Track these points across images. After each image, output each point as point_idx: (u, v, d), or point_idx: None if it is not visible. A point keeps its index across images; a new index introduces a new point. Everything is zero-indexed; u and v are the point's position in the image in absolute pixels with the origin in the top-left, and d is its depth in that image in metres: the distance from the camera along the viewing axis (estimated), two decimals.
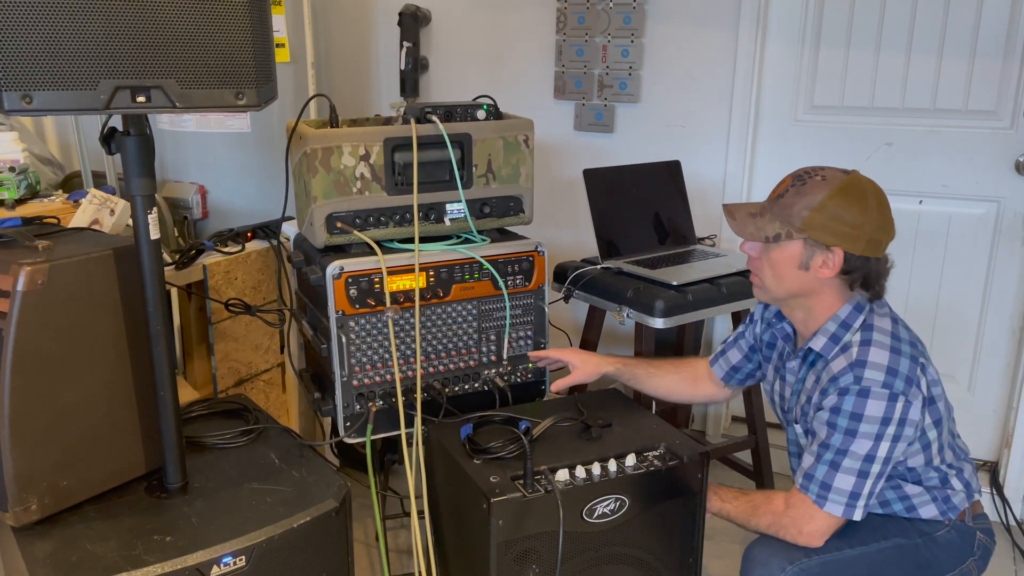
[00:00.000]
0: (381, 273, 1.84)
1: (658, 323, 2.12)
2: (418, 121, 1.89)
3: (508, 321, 2.00)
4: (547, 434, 1.78)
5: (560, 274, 2.39)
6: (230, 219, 2.44)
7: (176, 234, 2.32)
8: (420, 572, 1.81)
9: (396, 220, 1.91)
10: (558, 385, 1.94)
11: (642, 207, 2.47)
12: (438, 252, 1.91)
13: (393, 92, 3.33)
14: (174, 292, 2.21)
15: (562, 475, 1.61)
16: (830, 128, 2.75)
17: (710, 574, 2.34)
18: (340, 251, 1.90)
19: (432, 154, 1.90)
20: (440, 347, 1.95)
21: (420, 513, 1.81)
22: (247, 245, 2.26)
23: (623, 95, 2.94)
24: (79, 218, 1.92)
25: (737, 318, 2.45)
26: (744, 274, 2.29)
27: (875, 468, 1.54)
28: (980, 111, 2.55)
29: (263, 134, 2.43)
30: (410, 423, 1.87)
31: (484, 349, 2.00)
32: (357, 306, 1.84)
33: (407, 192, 1.89)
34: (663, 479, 1.68)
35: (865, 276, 1.58)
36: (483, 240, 1.99)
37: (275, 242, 2.28)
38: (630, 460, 1.68)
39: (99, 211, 1.93)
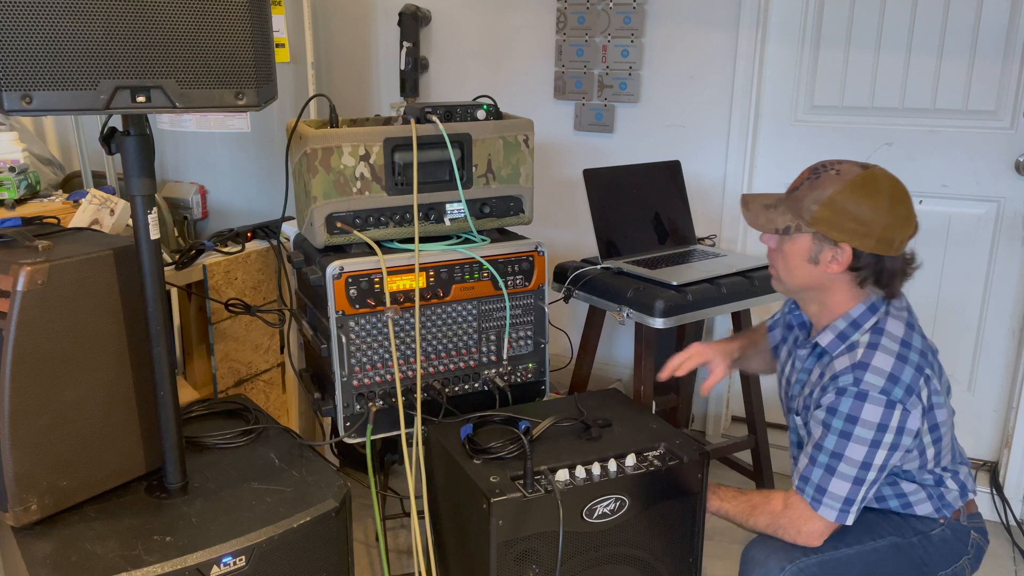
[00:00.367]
0: (381, 273, 1.84)
1: (658, 323, 2.12)
2: (418, 121, 1.89)
3: (508, 321, 2.00)
4: (547, 434, 1.78)
5: (560, 274, 2.39)
6: (230, 219, 2.44)
7: (176, 234, 2.32)
8: (420, 572, 1.81)
9: (396, 220, 1.91)
10: (707, 388, 1.85)
11: (642, 207, 2.47)
12: (438, 252, 1.91)
13: (393, 92, 3.33)
14: (174, 292, 2.21)
15: (562, 475, 1.61)
16: (830, 128, 2.75)
17: (710, 574, 2.34)
18: (340, 251, 1.90)
19: (432, 154, 1.90)
20: (440, 347, 1.95)
21: (420, 513, 1.81)
22: (247, 245, 2.26)
23: (623, 95, 2.94)
24: (79, 218, 1.92)
25: (737, 318, 2.45)
26: (744, 274, 2.29)
27: (871, 475, 1.54)
28: (980, 111, 2.55)
29: (263, 134, 2.43)
30: (410, 423, 1.87)
31: (484, 349, 2.00)
32: (357, 306, 1.84)
33: (407, 192, 1.89)
34: (663, 479, 1.68)
35: (877, 274, 1.56)
36: (483, 240, 1.99)
37: (275, 242, 2.28)
38: (630, 460, 1.68)
39: (99, 211, 1.93)
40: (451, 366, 1.98)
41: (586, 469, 1.64)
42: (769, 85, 2.80)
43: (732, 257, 2.44)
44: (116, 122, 1.44)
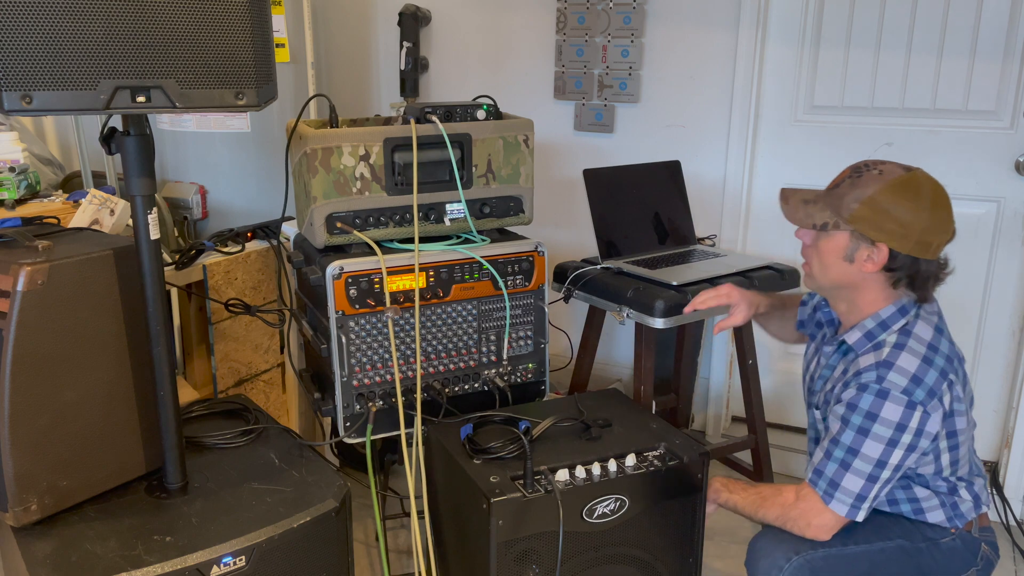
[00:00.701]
0: (381, 273, 1.84)
1: (658, 323, 2.12)
2: (418, 121, 1.89)
3: (508, 321, 2.00)
4: (547, 434, 1.78)
5: (560, 274, 2.39)
6: (230, 219, 2.44)
7: (176, 234, 2.32)
8: (420, 572, 1.81)
9: (396, 220, 1.91)
10: (720, 328, 1.90)
11: (642, 207, 2.47)
12: (438, 252, 1.90)
13: (393, 92, 3.33)
14: (174, 292, 2.21)
15: (562, 475, 1.61)
16: (830, 128, 2.75)
17: (711, 574, 2.34)
18: (340, 251, 1.90)
19: (432, 154, 1.90)
20: (440, 347, 1.95)
21: (420, 513, 1.81)
22: (247, 245, 2.26)
23: (623, 95, 2.94)
24: (79, 218, 1.92)
25: None
26: (744, 274, 2.29)
27: (885, 474, 1.54)
28: (980, 111, 2.55)
29: (263, 134, 2.43)
30: (410, 423, 1.87)
31: (484, 349, 2.00)
32: (357, 306, 1.84)
33: (407, 192, 1.89)
34: (663, 479, 1.68)
35: (911, 276, 1.56)
36: (483, 240, 1.99)
37: (275, 242, 2.28)
38: (630, 460, 1.68)
39: (99, 211, 1.93)
40: (451, 366, 1.98)
41: (586, 469, 1.64)
42: (769, 85, 2.80)
43: (732, 257, 2.44)
44: (116, 122, 1.44)
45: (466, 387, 2.00)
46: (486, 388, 2.01)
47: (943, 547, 1.64)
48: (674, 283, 2.17)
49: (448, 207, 1.95)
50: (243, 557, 1.43)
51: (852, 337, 1.62)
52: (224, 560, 1.41)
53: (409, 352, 1.90)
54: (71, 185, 2.62)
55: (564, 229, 3.14)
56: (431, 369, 1.95)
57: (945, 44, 2.54)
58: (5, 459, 1.38)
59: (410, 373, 1.91)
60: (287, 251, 2.18)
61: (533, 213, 2.05)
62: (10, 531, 1.45)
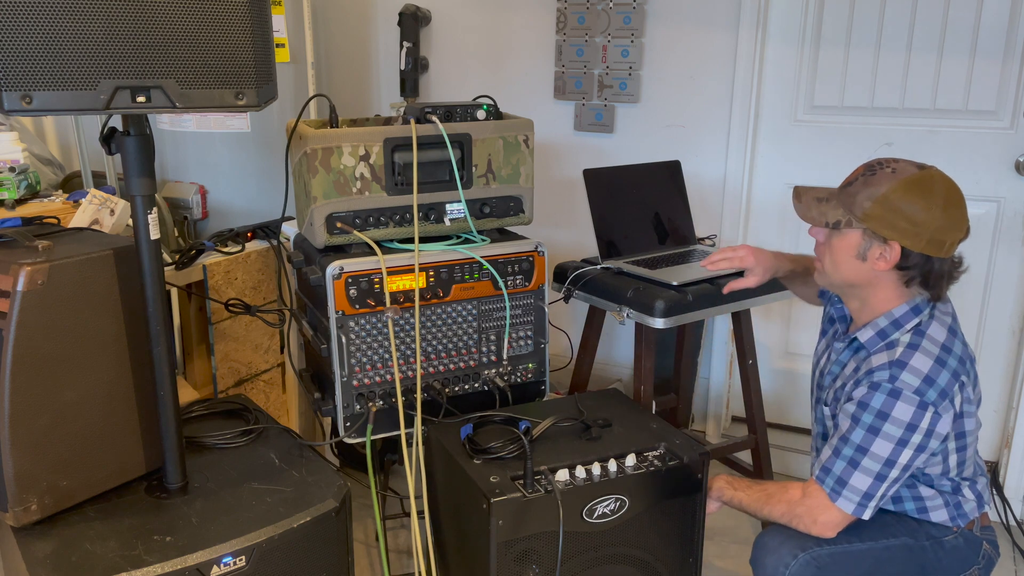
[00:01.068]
0: (381, 273, 1.84)
1: (658, 323, 2.12)
2: (418, 121, 1.89)
3: (508, 321, 2.00)
4: (547, 434, 1.78)
5: (560, 274, 2.39)
6: (230, 219, 2.44)
7: (176, 234, 2.32)
8: (420, 572, 1.81)
9: (396, 220, 1.91)
10: (731, 288, 1.90)
11: (642, 207, 2.47)
12: (438, 252, 1.90)
13: (393, 92, 3.33)
14: (174, 292, 2.21)
15: (562, 475, 1.61)
16: (830, 128, 2.75)
17: (712, 574, 2.34)
18: (340, 251, 1.90)
19: (432, 154, 1.90)
20: (440, 347, 1.95)
21: (420, 513, 1.81)
22: (247, 245, 2.26)
23: (623, 95, 2.94)
24: (79, 218, 1.92)
25: (737, 318, 2.44)
26: (743, 274, 2.29)
27: (893, 473, 1.54)
28: (980, 111, 2.55)
29: (263, 134, 2.43)
30: (410, 423, 1.87)
31: (484, 349, 2.00)
32: (357, 306, 1.84)
33: (407, 192, 1.89)
34: (663, 479, 1.68)
35: (924, 275, 1.56)
36: (483, 240, 1.99)
37: (275, 242, 2.28)
38: (630, 460, 1.68)
39: (99, 211, 1.93)
40: (451, 366, 1.98)
41: (586, 469, 1.64)
42: (769, 85, 2.80)
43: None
44: (116, 122, 1.44)
45: (466, 387, 2.00)
46: (486, 388, 2.01)
47: (946, 545, 1.64)
48: (674, 283, 2.17)
49: (448, 207, 1.95)
50: (243, 557, 1.43)
51: (864, 335, 1.62)
52: (224, 560, 1.41)
53: (409, 352, 1.90)
54: (71, 185, 2.62)
55: (564, 229, 3.14)
56: (431, 369, 1.95)
57: (945, 44, 2.54)
58: (5, 459, 1.38)
59: (410, 373, 1.91)
60: (287, 251, 2.18)
61: (533, 213, 2.05)
62: (10, 531, 1.45)
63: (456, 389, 1.99)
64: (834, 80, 2.71)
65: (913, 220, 1.51)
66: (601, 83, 2.96)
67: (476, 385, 2.01)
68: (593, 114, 3.01)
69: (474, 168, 1.95)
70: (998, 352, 2.67)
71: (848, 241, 1.58)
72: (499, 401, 1.99)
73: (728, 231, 2.90)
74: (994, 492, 2.63)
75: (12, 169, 2.02)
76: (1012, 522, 2.59)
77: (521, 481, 1.59)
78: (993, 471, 2.70)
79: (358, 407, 1.89)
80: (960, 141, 2.58)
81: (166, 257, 2.03)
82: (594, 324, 2.46)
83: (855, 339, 1.65)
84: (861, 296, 1.64)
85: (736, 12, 2.73)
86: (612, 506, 1.64)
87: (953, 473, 1.63)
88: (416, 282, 1.87)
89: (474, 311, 1.97)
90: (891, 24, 2.59)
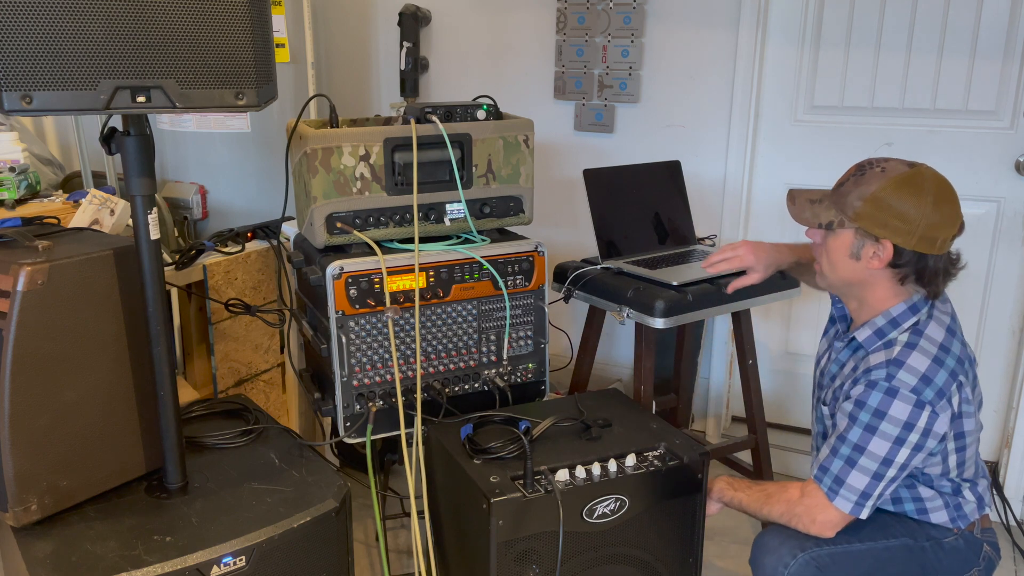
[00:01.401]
0: (381, 273, 1.84)
1: (658, 323, 2.12)
2: (418, 121, 1.89)
3: (508, 321, 2.00)
4: (547, 434, 1.78)
5: (560, 274, 2.39)
6: (230, 219, 2.44)
7: (176, 234, 2.32)
8: (420, 572, 1.81)
9: (396, 220, 1.91)
10: (734, 286, 1.91)
11: (642, 207, 2.47)
12: (438, 252, 1.90)
13: (393, 92, 3.33)
14: (174, 292, 2.21)
15: (562, 475, 1.61)
16: (830, 128, 2.75)
17: (712, 574, 2.34)
18: (340, 251, 1.90)
19: (432, 154, 1.90)
20: (440, 347, 1.95)
21: (420, 513, 1.81)
22: (247, 245, 2.26)
23: (623, 95, 2.94)
24: (79, 218, 1.92)
25: (737, 318, 2.44)
26: (742, 274, 2.29)
27: (891, 472, 1.54)
28: (980, 111, 2.55)
29: (263, 134, 2.43)
30: (410, 423, 1.87)
31: (484, 349, 2.00)
32: (357, 306, 1.84)
33: (407, 192, 1.89)
34: (663, 479, 1.68)
35: (919, 272, 1.56)
36: (483, 240, 1.99)
37: (275, 242, 2.28)
38: (630, 460, 1.68)
39: (99, 211, 1.93)
40: (451, 366, 1.98)
41: (586, 469, 1.64)
42: (769, 85, 2.79)
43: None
44: (116, 122, 1.44)
45: (466, 387, 2.00)
46: (486, 388, 2.01)
47: (946, 547, 1.64)
48: (674, 283, 2.17)
49: (448, 207, 1.95)
50: (243, 557, 1.43)
51: (862, 334, 1.63)
52: (224, 560, 1.41)
53: (409, 352, 1.90)
54: (71, 185, 2.62)
55: (564, 229, 3.14)
56: (431, 369, 1.95)
57: (945, 44, 2.54)
58: (5, 459, 1.38)
59: (410, 373, 1.91)
60: (287, 251, 2.18)
61: (533, 213, 2.05)
62: (10, 531, 1.45)
63: (456, 389, 1.99)
64: (834, 80, 2.71)
65: (904, 217, 1.51)
66: (601, 83, 2.96)
67: (476, 385, 2.01)
68: (593, 114, 3.01)
69: (474, 168, 1.95)
70: (998, 352, 2.67)
71: (842, 241, 1.59)
72: (499, 401, 1.99)
73: (728, 231, 2.90)
74: (994, 492, 2.63)
75: (12, 169, 2.02)
76: (1012, 522, 2.59)
77: (521, 481, 1.59)
78: (993, 471, 2.69)
79: (358, 407, 1.89)
80: (960, 141, 2.58)
81: (166, 257, 2.03)
82: (594, 324, 2.46)
83: (854, 339, 1.65)
84: (859, 296, 1.64)
85: (736, 12, 2.73)
86: (612, 506, 1.64)
87: (953, 474, 1.63)
88: (416, 282, 1.87)
89: (474, 311, 1.97)
90: (891, 24, 2.59)
